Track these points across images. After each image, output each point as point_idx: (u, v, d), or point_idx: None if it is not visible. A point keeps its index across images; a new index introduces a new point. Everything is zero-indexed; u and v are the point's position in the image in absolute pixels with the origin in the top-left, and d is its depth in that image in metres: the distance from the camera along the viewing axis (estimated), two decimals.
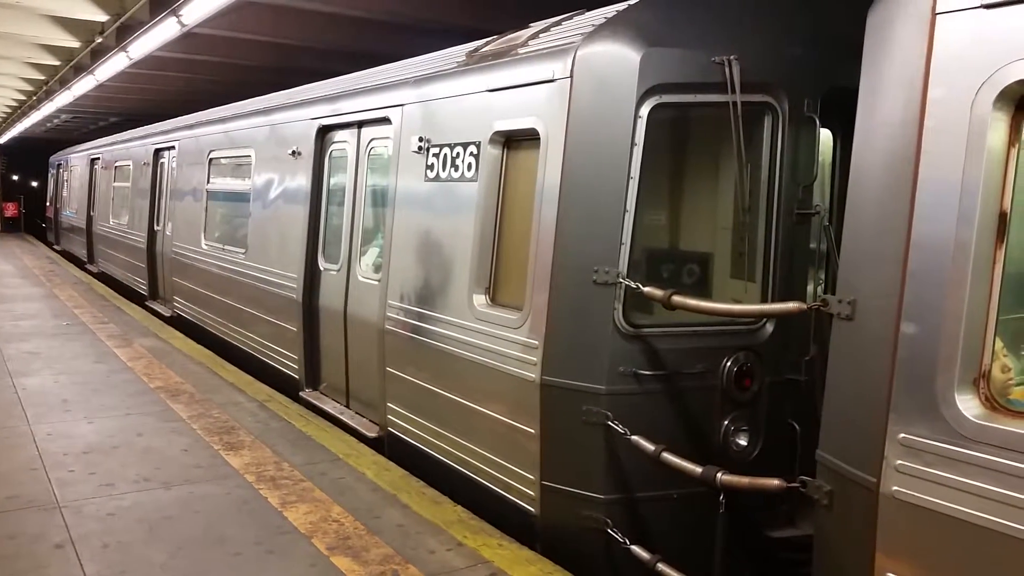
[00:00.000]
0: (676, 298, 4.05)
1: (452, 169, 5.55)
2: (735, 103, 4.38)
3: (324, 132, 7.61)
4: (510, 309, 4.97)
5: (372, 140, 6.87)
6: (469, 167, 5.38)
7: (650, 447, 4.13)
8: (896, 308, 2.92)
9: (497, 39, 5.80)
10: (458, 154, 5.50)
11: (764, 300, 4.69)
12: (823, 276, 4.86)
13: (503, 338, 4.94)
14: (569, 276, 4.53)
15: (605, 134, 4.44)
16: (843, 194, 4.78)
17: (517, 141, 5.11)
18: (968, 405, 2.73)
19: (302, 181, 7.91)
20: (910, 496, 2.84)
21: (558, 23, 5.29)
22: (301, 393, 7.77)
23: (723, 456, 4.50)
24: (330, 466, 5.85)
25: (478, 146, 5.31)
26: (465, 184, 5.42)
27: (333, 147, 7.57)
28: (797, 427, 4.76)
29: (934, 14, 2.90)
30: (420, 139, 5.87)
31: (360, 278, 6.94)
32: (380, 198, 6.83)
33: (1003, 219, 2.74)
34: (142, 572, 4.23)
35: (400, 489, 5.44)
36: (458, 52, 6.07)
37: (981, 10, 2.74)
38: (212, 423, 6.82)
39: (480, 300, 5.22)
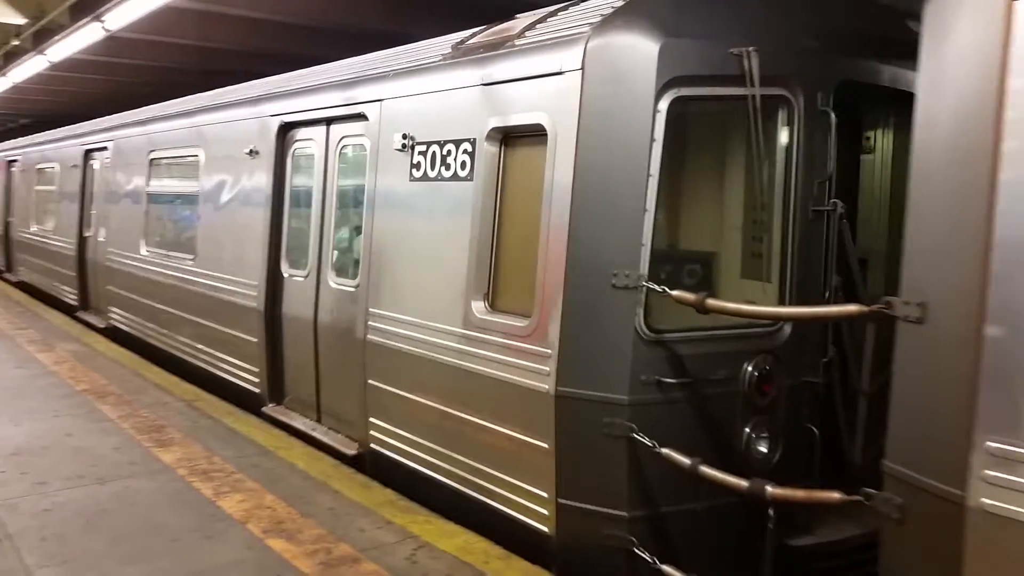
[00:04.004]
0: (711, 301, 3.83)
1: (443, 168, 5.22)
2: (754, 96, 4.19)
3: (286, 129, 7.15)
4: (515, 316, 4.67)
5: (343, 138, 6.47)
6: (463, 166, 5.06)
7: (685, 461, 3.89)
8: (978, 310, 2.75)
9: (482, 31, 5.49)
10: (449, 152, 5.17)
11: (782, 301, 4.51)
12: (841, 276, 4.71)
13: (509, 347, 4.64)
14: (585, 280, 4.26)
15: (621, 129, 4.19)
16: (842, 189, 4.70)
17: (518, 137, 4.82)
18: None
19: (261, 182, 7.43)
20: (1003, 509, 2.67)
21: (553, 14, 5.02)
22: (264, 408, 7.29)
23: (744, 464, 4.31)
24: (261, 458, 6.03)
25: (472, 143, 4.99)
26: (458, 184, 5.10)
27: (297, 145, 7.11)
28: (816, 431, 4.61)
29: (1011, 0, 2.74)
30: (404, 136, 5.51)
31: (332, 285, 6.52)
32: (354, 200, 6.43)
33: None
34: (84, 559, 4.31)
35: (330, 477, 5.67)
36: (439, 44, 5.74)
37: None
38: (141, 422, 6.86)
39: (479, 307, 4.91)
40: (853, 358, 4.60)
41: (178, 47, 12.24)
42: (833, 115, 4.50)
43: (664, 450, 3.98)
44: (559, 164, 4.38)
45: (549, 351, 4.37)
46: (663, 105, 4.15)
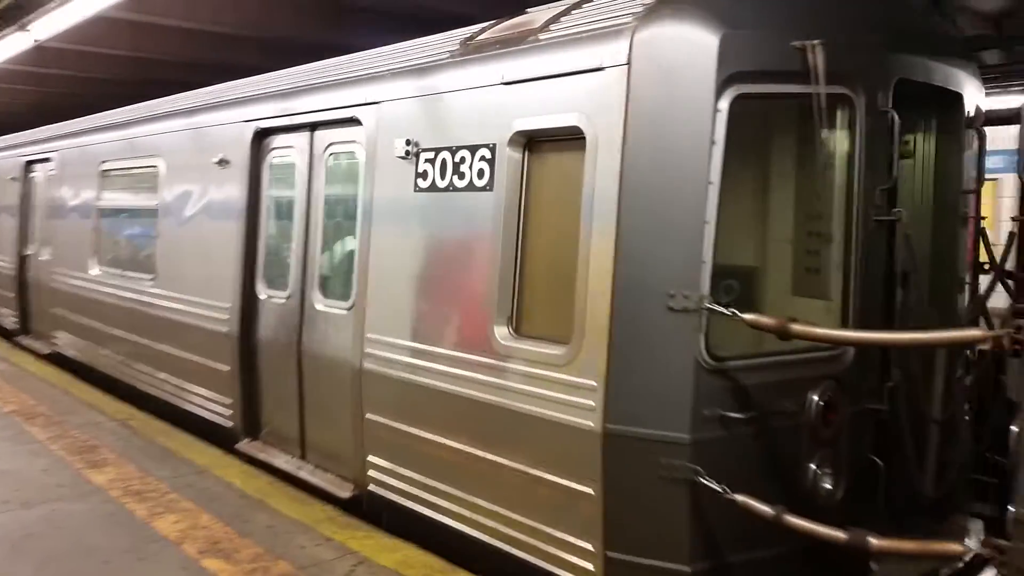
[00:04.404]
0: (796, 327, 3.35)
1: (455, 177, 4.66)
2: (819, 95, 3.75)
3: (262, 136, 6.50)
4: (549, 343, 4.13)
5: (331, 145, 5.86)
6: (480, 174, 4.51)
7: (767, 510, 3.40)
8: None
9: (493, 26, 4.96)
10: (463, 159, 4.62)
11: (844, 322, 4.07)
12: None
13: (542, 378, 4.10)
14: (636, 302, 3.75)
15: (676, 132, 3.71)
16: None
17: (546, 142, 4.30)
18: None
19: (232, 194, 6.75)
20: None
21: (578, 5, 4.52)
22: (239, 445, 6.59)
23: (811, 504, 3.84)
24: (196, 478, 5.94)
25: (492, 149, 4.45)
26: (474, 195, 4.55)
27: (275, 154, 6.47)
28: (880, 463, 4.18)
29: None
30: (408, 142, 4.94)
31: (319, 307, 5.89)
32: (344, 213, 5.83)
33: None
34: None
35: (268, 495, 5.61)
36: (443, 41, 5.19)
37: None
38: (72, 443, 6.68)
39: (503, 332, 4.36)
40: (922, 382, 4.19)
41: (110, 58, 12.09)
42: (896, 116, 4.09)
43: (740, 497, 3.49)
44: (600, 171, 3.87)
45: (594, 383, 3.84)
46: (723, 104, 3.68)
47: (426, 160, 4.87)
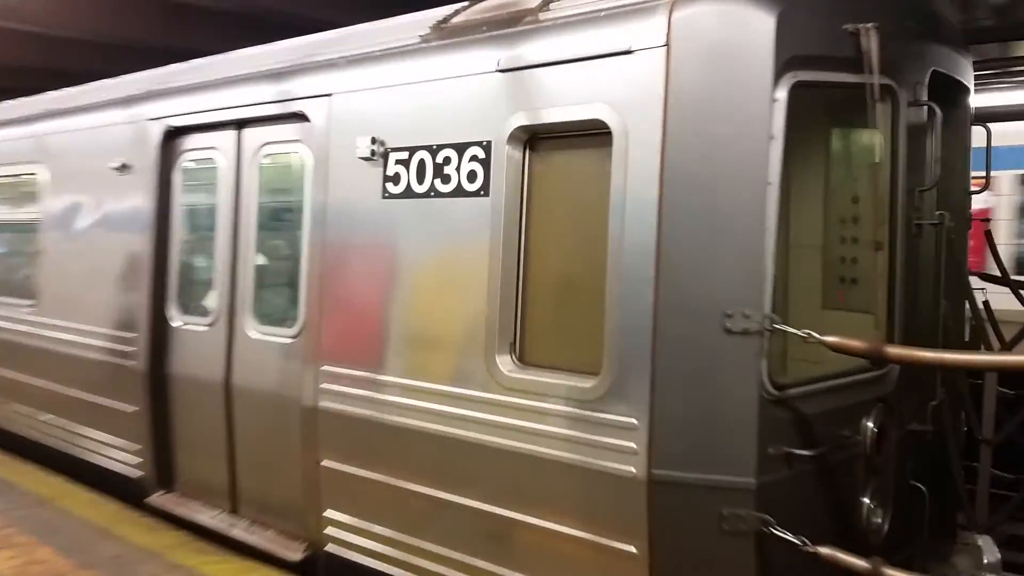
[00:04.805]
0: (894, 350, 2.88)
1: (438, 181, 3.97)
2: (872, 85, 3.33)
3: (174, 136, 5.55)
4: (569, 374, 3.51)
5: (266, 144, 5.01)
6: (471, 177, 3.84)
7: (862, 563, 2.90)
8: None
9: (469, 6, 4.30)
10: (447, 160, 3.94)
11: (890, 337, 3.65)
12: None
13: (563, 416, 3.47)
14: (685, 324, 3.19)
15: (727, 126, 3.18)
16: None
17: (554, 138, 3.68)
18: None
19: (136, 204, 5.75)
20: None
21: None
22: (149, 498, 5.58)
23: (863, 541, 3.39)
24: (36, 509, 5.63)
25: (486, 147, 3.79)
26: (465, 201, 3.87)
27: (190, 156, 5.53)
28: (924, 491, 3.80)
29: None
30: (373, 141, 4.20)
31: (254, 335, 5.01)
32: (286, 223, 5.00)
33: None
34: None
35: (114, 522, 5.38)
36: (409, 25, 4.47)
37: None
38: None
39: (506, 362, 3.70)
40: (969, 401, 3.85)
41: None
42: (939, 111, 3.74)
43: (824, 549, 2.97)
44: (633, 171, 3.29)
45: (634, 420, 3.25)
46: (781, 93, 3.18)
47: (398, 161, 4.15)
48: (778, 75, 3.16)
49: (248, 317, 5.08)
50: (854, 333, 3.56)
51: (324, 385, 4.42)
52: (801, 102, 3.24)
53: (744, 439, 3.13)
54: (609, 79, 3.40)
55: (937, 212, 3.77)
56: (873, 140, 3.51)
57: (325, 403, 4.41)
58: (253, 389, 5.01)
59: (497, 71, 3.78)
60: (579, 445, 3.42)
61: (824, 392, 3.40)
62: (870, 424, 3.43)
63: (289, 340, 4.75)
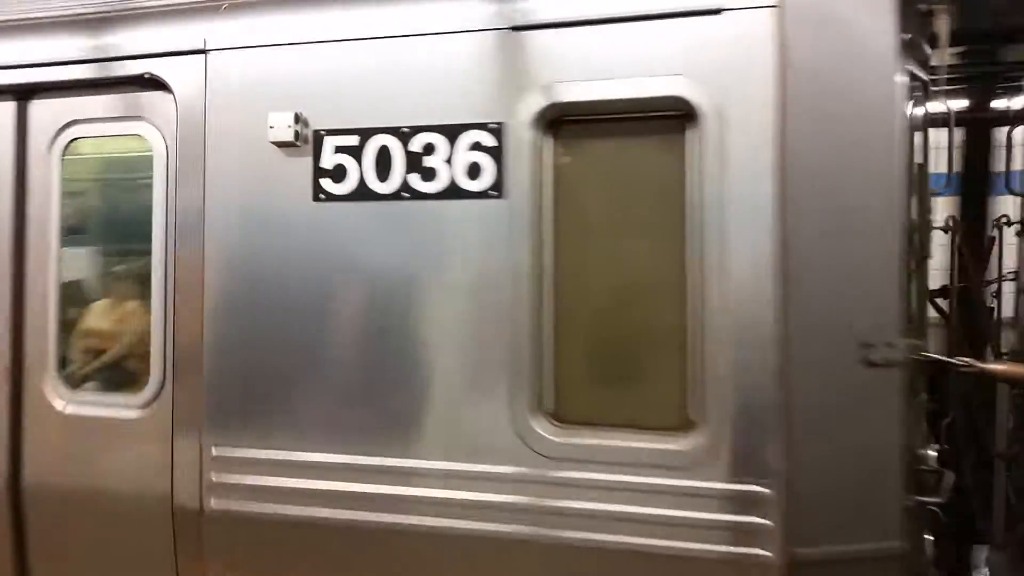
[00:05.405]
0: None
1: (415, 176, 2.85)
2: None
3: None
4: (642, 433, 2.65)
5: (73, 124, 3.39)
6: (474, 171, 2.80)
7: None
8: None
9: None
10: (428, 148, 2.84)
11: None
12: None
13: (643, 490, 2.61)
14: (814, 358, 2.51)
15: (861, 108, 2.57)
16: None
17: (596, 122, 2.79)
18: None
19: None
20: None
21: None
22: None
23: None
24: None
25: (496, 133, 2.78)
26: (464, 204, 2.81)
27: None
28: (940, 513, 3.54)
29: None
30: (297, 119, 2.94)
31: (61, 405, 3.36)
32: (114, 237, 3.44)
33: None
34: None
35: None
36: None
37: None
38: None
39: (543, 424, 2.72)
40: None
41: None
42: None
43: None
44: (736, 163, 2.55)
45: (763, 489, 2.50)
46: (901, 76, 2.65)
47: (339, 149, 2.94)
48: (898, 54, 2.62)
49: (49, 375, 3.39)
50: None
51: (215, 477, 3.03)
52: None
53: (890, 494, 2.54)
54: (690, 45, 2.62)
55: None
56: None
57: (217, 503, 3.03)
58: (73, 486, 3.34)
59: (510, 28, 2.79)
60: (674, 529, 2.58)
61: None
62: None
63: (136, 412, 3.21)
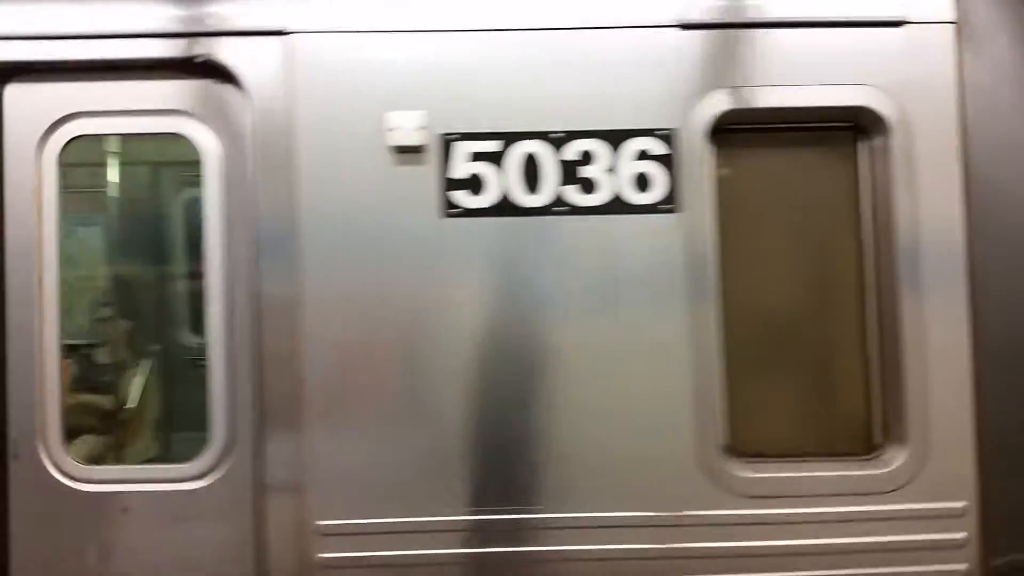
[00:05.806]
0: None
1: (572, 188, 2.52)
2: None
3: None
4: (840, 461, 2.54)
5: (77, 117, 2.62)
6: (640, 183, 2.52)
7: None
8: None
9: None
10: (586, 155, 2.52)
11: None
12: None
13: (841, 518, 2.51)
14: (1006, 370, 2.55)
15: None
16: None
17: (759, 132, 2.62)
18: None
19: None
20: None
21: None
22: None
23: None
24: None
25: (667, 139, 2.52)
26: (632, 220, 2.52)
27: None
28: None
29: None
30: (426, 121, 2.48)
31: (83, 486, 2.61)
32: (153, 262, 2.73)
33: None
34: None
35: None
36: None
37: None
38: None
39: (732, 461, 2.53)
40: None
41: None
42: None
43: None
44: (924, 178, 2.51)
45: (958, 504, 2.50)
46: None
47: (474, 155, 2.52)
48: None
49: (50, 445, 2.62)
50: None
51: (323, 554, 2.50)
52: None
53: None
54: (873, 55, 2.53)
55: None
56: None
57: None
58: None
59: (677, 26, 2.53)
60: (865, 555, 2.51)
61: None
62: None
63: (192, 484, 2.57)
